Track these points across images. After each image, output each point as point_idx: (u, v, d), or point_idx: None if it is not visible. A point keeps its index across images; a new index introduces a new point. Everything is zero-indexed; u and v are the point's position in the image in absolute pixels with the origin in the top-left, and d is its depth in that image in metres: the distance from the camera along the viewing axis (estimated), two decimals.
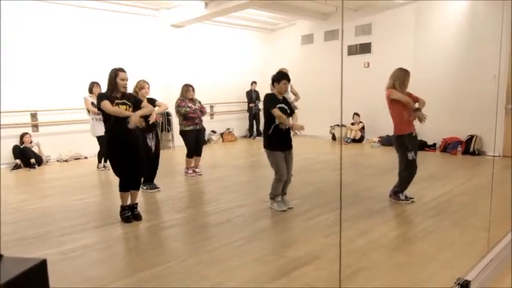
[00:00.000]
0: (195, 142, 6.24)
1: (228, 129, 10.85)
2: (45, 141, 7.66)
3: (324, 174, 6.23)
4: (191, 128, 6.06)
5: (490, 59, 7.27)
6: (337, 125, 9.99)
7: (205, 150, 9.16)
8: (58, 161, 7.89)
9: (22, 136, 7.39)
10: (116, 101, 3.84)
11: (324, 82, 10.11)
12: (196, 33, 10.12)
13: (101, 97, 3.88)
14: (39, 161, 7.42)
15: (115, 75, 3.87)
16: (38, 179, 6.57)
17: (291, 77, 4.37)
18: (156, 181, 5.45)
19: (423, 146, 8.39)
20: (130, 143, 3.94)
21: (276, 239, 3.57)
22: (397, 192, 4.52)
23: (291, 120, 4.35)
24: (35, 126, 7.79)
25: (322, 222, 3.90)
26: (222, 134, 10.80)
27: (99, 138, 6.43)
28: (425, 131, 8.64)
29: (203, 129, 6.33)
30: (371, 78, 9.07)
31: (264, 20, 11.00)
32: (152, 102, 5.31)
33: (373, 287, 2.60)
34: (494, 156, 7.13)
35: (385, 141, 9.04)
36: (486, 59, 7.38)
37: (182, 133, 6.16)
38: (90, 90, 6.56)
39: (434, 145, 8.33)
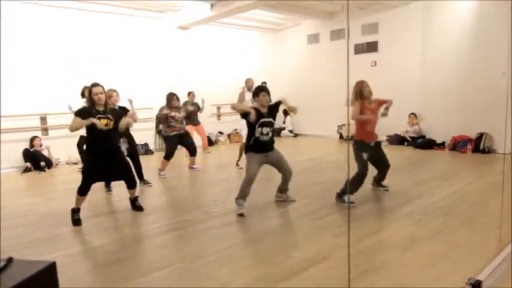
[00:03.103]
0: (184, 145, 6.62)
1: (235, 130, 10.85)
2: (55, 144, 7.74)
3: (332, 173, 6.20)
4: (174, 133, 6.31)
5: (499, 55, 7.17)
6: (345, 125, 9.94)
7: (213, 151, 9.20)
8: (67, 163, 7.96)
9: (32, 139, 7.49)
10: (98, 116, 4.01)
11: (330, 81, 10.07)
12: (202, 34, 10.15)
13: (76, 113, 4.08)
14: (49, 164, 7.51)
15: (89, 92, 4.07)
16: (47, 182, 6.64)
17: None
18: (164, 183, 5.49)
19: (432, 144, 8.33)
20: (106, 149, 4.11)
21: (284, 239, 3.55)
22: (343, 194, 4.50)
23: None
24: (45, 130, 7.88)
25: (331, 222, 3.89)
26: (229, 135, 10.82)
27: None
28: (434, 129, 8.59)
29: (187, 133, 6.60)
30: (378, 77, 9.00)
31: (269, 21, 11.00)
32: (123, 111, 5.37)
33: (382, 287, 2.58)
34: (504, 154, 7.02)
35: (393, 140, 8.98)
36: (495, 56, 7.27)
37: (165, 138, 6.51)
38: (82, 95, 6.40)
39: (443, 144, 8.25)
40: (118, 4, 8.44)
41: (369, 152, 4.52)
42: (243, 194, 4.32)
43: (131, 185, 4.42)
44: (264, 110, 4.32)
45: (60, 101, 7.84)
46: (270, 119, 4.33)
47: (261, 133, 4.26)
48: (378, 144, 4.81)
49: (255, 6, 8.27)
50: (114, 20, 8.65)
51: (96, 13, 8.34)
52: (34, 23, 7.59)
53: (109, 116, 4.09)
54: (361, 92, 4.54)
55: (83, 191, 4.10)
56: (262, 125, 4.26)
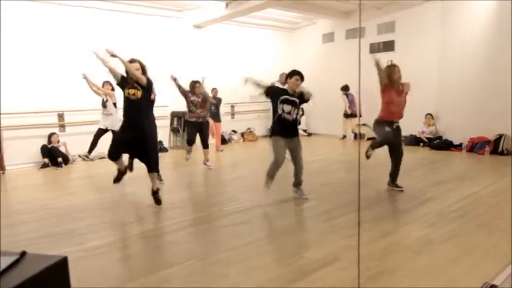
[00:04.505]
0: (200, 135, 6.68)
1: (249, 128, 10.88)
2: (72, 140, 7.89)
3: (344, 174, 6.16)
4: (193, 119, 6.57)
5: None
6: (364, 124, 9.83)
7: (226, 149, 9.24)
8: (84, 160, 8.11)
9: (50, 136, 7.66)
10: (128, 86, 4.28)
11: (345, 80, 10.00)
12: (218, 33, 10.20)
13: (118, 84, 4.50)
14: (66, 160, 7.66)
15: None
16: (64, 178, 6.77)
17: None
18: (177, 180, 5.53)
19: (449, 145, 8.18)
20: (132, 119, 4.30)
21: (295, 240, 3.54)
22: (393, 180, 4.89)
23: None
24: (62, 127, 8.04)
25: (343, 223, 3.85)
26: (242, 134, 10.84)
27: (98, 130, 7.35)
28: (451, 130, 8.44)
29: (207, 122, 6.78)
30: None
31: (284, 20, 10.97)
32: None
33: None
34: None
35: (409, 140, 8.84)
36: None
37: (185, 122, 6.92)
38: (102, 87, 7.32)
39: (460, 145, 8.09)
40: (137, 4, 8.54)
41: (387, 128, 4.65)
42: (271, 174, 4.53)
43: (149, 168, 4.37)
44: (291, 92, 4.43)
45: (77, 98, 8.01)
46: (294, 99, 4.40)
47: (283, 110, 4.34)
48: (399, 129, 4.85)
49: (269, 5, 8.26)
50: (133, 19, 8.75)
51: (114, 12, 8.45)
52: (53, 21, 7.73)
53: (137, 85, 4.25)
54: (390, 76, 4.67)
55: (110, 153, 4.36)
56: (284, 102, 4.35)
